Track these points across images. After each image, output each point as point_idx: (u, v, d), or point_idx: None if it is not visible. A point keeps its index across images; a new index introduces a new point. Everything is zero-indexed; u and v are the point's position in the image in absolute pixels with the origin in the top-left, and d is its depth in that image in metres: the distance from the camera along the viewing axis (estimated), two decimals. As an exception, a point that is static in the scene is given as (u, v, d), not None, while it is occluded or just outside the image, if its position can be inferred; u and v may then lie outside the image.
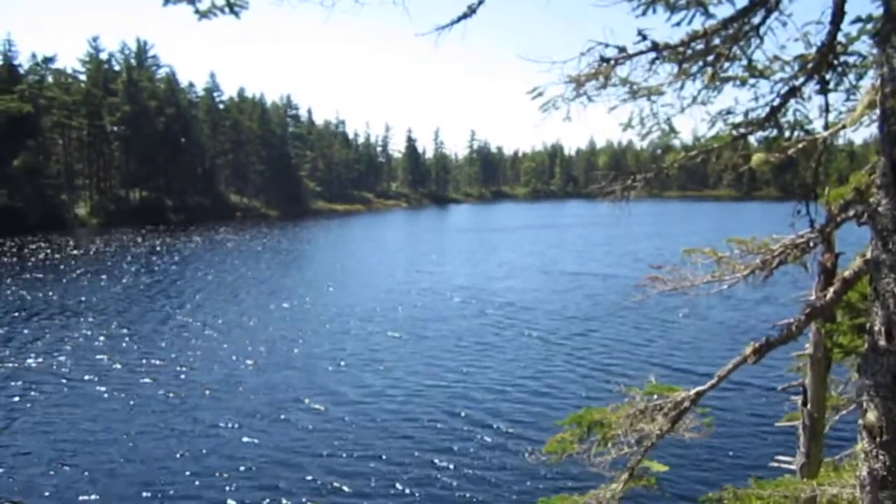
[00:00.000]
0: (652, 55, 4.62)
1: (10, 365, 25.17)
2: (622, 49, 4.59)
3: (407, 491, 15.32)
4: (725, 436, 17.52)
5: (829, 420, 9.53)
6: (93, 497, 15.10)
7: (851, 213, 4.81)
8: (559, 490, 13.63)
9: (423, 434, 18.55)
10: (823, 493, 7.43)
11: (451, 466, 16.51)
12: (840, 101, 5.06)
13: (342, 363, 25.63)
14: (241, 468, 16.55)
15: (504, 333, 30.41)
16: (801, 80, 4.82)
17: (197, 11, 3.66)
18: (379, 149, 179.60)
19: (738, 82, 4.96)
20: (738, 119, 5.14)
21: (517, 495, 14.99)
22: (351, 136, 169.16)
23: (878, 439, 3.44)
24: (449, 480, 15.80)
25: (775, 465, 9.68)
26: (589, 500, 6.22)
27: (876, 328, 3.44)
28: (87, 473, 16.24)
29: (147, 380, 23.44)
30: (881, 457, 3.43)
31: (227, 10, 3.71)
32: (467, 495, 15.10)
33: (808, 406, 8.55)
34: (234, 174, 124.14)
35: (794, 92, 4.87)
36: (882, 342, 3.40)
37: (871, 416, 3.43)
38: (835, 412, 9.95)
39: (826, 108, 4.85)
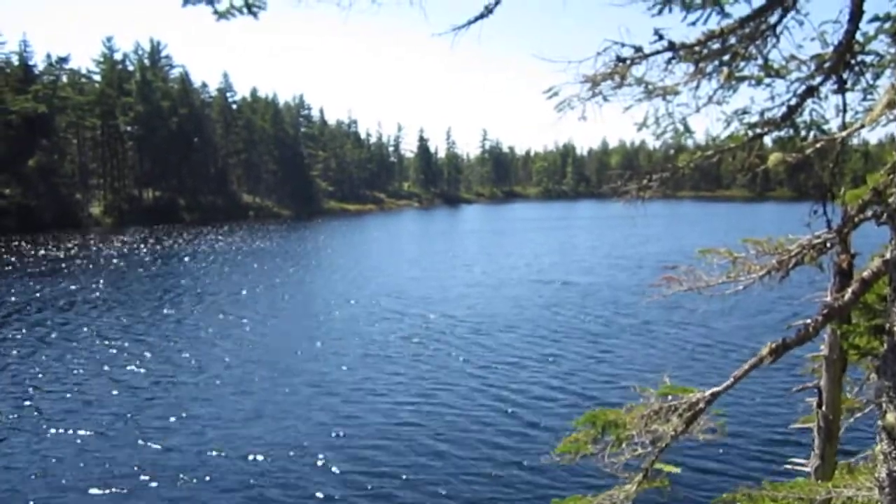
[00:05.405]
0: (668, 55, 4.59)
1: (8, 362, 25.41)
2: (638, 49, 4.56)
3: (420, 491, 15.33)
4: (739, 437, 17.44)
5: (844, 422, 9.46)
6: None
7: (870, 213, 4.77)
8: (572, 491, 13.60)
9: (436, 434, 18.55)
10: (839, 496, 7.37)
11: (465, 466, 16.51)
12: (857, 100, 5.01)
13: (347, 363, 25.74)
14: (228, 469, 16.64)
15: (512, 336, 30.38)
16: (818, 79, 4.77)
17: (216, 12, 3.67)
18: (391, 148, 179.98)
19: (753, 82, 4.92)
20: (754, 119, 5.08)
21: (530, 495, 14.97)
22: (363, 135, 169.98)
23: (897, 441, 3.42)
24: (462, 480, 15.80)
25: (789, 467, 9.63)
26: (602, 501, 6.19)
27: (895, 329, 3.42)
28: (86, 465, 16.37)
29: (147, 382, 23.49)
30: (900, 458, 3.41)
31: (245, 10, 3.72)
32: (480, 495, 15.10)
33: (823, 408, 8.49)
34: (246, 174, 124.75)
35: (810, 92, 4.83)
36: (901, 343, 3.38)
37: (891, 417, 3.42)
38: (850, 414, 9.89)
39: (843, 108, 4.81)
